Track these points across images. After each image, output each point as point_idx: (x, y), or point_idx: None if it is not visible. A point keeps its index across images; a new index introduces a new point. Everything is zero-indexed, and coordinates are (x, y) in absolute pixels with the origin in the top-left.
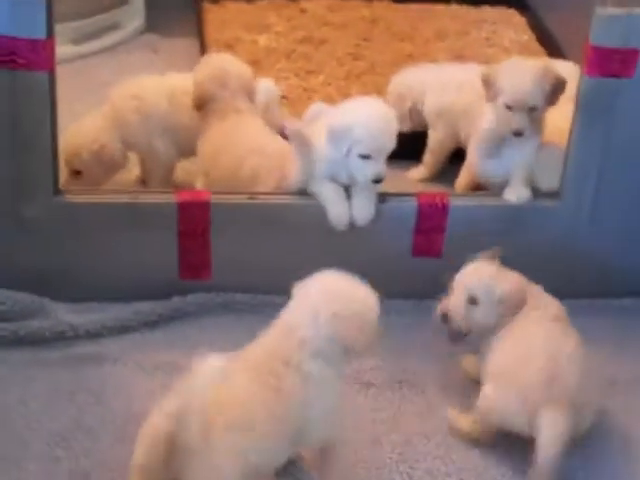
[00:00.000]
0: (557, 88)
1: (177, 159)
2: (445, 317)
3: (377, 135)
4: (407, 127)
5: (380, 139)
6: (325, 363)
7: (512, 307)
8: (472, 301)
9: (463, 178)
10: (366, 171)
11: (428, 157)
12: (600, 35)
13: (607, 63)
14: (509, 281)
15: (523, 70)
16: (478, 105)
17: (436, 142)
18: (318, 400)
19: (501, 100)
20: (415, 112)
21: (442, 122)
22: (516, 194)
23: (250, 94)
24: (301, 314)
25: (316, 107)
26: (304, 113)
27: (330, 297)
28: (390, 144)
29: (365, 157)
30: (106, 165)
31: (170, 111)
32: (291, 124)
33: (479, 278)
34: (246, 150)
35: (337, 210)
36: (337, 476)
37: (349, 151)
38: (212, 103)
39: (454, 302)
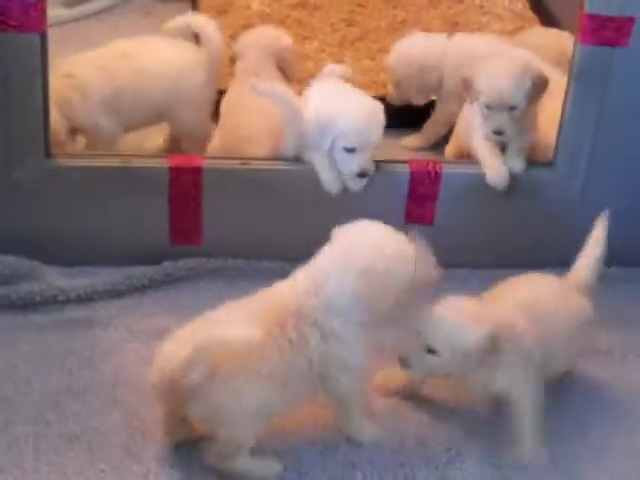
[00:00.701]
0: (538, 86)
1: (121, 133)
2: (404, 362)
3: (362, 129)
4: (404, 98)
5: (365, 133)
6: (347, 320)
7: (483, 356)
8: (430, 351)
9: (452, 147)
10: (350, 165)
11: (431, 127)
12: (594, 3)
13: (601, 31)
14: (480, 328)
15: (501, 70)
16: None
17: (447, 114)
18: (337, 356)
19: (481, 101)
20: (418, 81)
21: (460, 96)
22: (510, 164)
23: (282, 62)
24: (328, 268)
25: (329, 69)
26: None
27: (361, 251)
28: (376, 138)
29: (350, 150)
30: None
31: (105, 83)
32: (258, 83)
33: (439, 327)
34: (247, 111)
35: (329, 177)
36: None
37: (333, 144)
38: (239, 62)
39: (413, 349)
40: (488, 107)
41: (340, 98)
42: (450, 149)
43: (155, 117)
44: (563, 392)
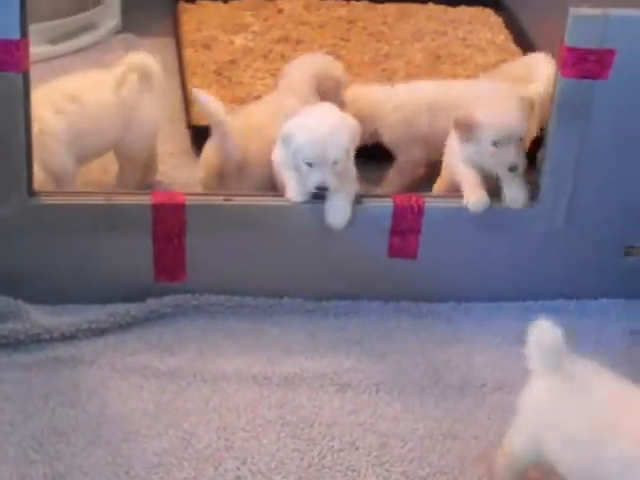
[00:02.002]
0: (530, 110)
1: (76, 167)
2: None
3: (317, 144)
4: None
5: (320, 149)
6: None
7: None
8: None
9: (441, 183)
10: (310, 178)
11: (395, 176)
12: (575, 36)
13: (582, 64)
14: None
15: (505, 104)
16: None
17: (409, 163)
18: None
19: (488, 138)
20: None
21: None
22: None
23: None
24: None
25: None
26: None
27: None
28: (334, 154)
29: (309, 164)
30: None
31: (58, 122)
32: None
33: None
34: (244, 128)
35: (293, 185)
36: None
37: (294, 156)
38: (281, 80)
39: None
40: (496, 144)
41: (309, 114)
42: (439, 185)
43: (105, 151)
44: None
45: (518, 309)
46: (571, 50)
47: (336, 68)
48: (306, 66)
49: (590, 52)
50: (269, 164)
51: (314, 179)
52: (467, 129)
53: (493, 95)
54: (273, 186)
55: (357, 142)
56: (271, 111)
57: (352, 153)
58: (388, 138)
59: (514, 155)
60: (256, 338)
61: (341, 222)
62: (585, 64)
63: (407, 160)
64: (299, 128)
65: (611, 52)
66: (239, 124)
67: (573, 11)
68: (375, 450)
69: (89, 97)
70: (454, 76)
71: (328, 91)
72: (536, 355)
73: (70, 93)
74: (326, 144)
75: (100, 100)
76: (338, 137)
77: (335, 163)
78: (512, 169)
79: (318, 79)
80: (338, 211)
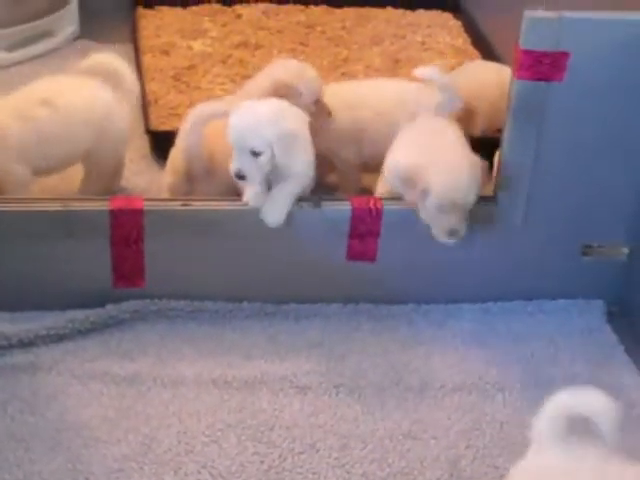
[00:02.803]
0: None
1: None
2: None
3: (236, 128)
4: None
5: (238, 133)
6: None
7: None
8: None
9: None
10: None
11: (343, 180)
12: (530, 38)
13: (537, 66)
14: None
15: (456, 170)
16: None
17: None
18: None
19: (432, 202)
20: None
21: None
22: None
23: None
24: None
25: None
26: None
27: None
28: (252, 143)
29: (255, 155)
30: None
31: (25, 131)
32: None
33: None
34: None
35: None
36: None
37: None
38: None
39: None
40: (440, 209)
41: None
42: (380, 187)
43: (74, 160)
44: None
45: (477, 311)
46: (526, 53)
47: (302, 73)
48: (269, 72)
49: (545, 55)
50: None
51: (233, 165)
52: (411, 184)
53: (444, 159)
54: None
55: (300, 144)
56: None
57: (297, 153)
58: (317, 142)
59: (455, 221)
60: (216, 342)
61: (275, 220)
62: (540, 66)
63: (341, 162)
64: (234, 112)
65: (565, 54)
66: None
67: (528, 14)
68: (335, 452)
69: (61, 101)
70: (413, 80)
71: (295, 97)
72: (545, 427)
73: (42, 97)
74: (244, 130)
75: (73, 106)
76: (261, 128)
77: (255, 154)
78: (452, 234)
79: (278, 85)
80: (273, 209)
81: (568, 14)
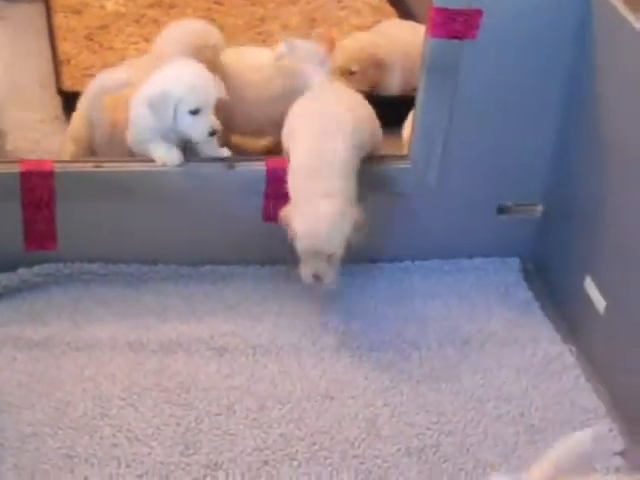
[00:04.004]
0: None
1: None
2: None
3: (199, 88)
4: None
5: (204, 91)
6: None
7: None
8: None
9: None
10: (199, 127)
11: None
12: None
13: (450, 24)
14: None
15: (320, 216)
16: None
17: None
18: None
19: (297, 245)
20: None
21: None
22: None
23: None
24: None
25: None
26: None
27: None
28: (214, 95)
29: (194, 113)
30: None
31: None
32: None
33: None
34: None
35: (162, 150)
36: None
37: (175, 113)
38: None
39: None
40: (303, 254)
41: (166, 71)
42: None
43: None
44: None
45: (395, 270)
46: (439, 11)
47: (213, 35)
48: (179, 33)
49: (458, 12)
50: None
51: (204, 125)
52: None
53: (311, 206)
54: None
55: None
56: (139, 76)
57: None
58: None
59: (319, 267)
60: (131, 305)
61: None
62: (453, 24)
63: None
64: (173, 83)
65: (479, 12)
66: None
67: None
68: (253, 413)
69: None
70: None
71: (205, 59)
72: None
73: None
74: (207, 86)
75: None
76: (210, 78)
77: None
78: (316, 278)
79: (192, 47)
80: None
81: None
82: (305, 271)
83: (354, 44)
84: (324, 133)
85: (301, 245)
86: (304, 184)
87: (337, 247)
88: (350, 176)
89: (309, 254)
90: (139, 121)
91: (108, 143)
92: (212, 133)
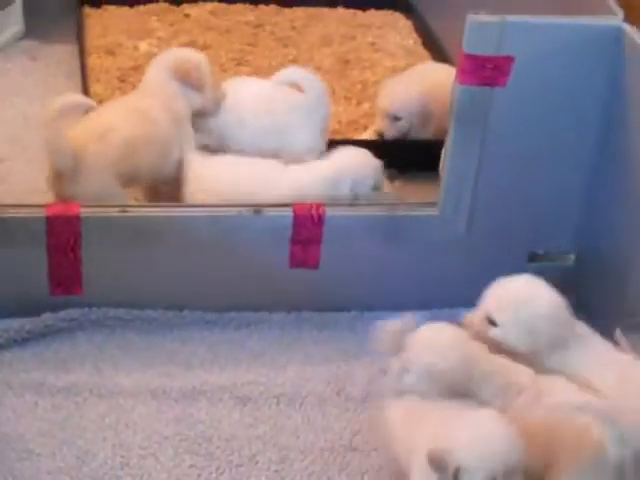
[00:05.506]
0: None
1: None
2: None
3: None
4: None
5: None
6: None
7: None
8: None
9: None
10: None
11: None
12: (473, 43)
13: (480, 71)
14: None
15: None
16: None
17: None
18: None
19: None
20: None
21: None
22: None
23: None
24: None
25: None
26: None
27: None
28: None
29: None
30: None
31: None
32: None
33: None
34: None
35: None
36: None
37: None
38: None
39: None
40: None
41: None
42: None
43: None
44: None
45: (422, 318)
46: (469, 57)
47: (196, 60)
48: (164, 60)
49: (488, 59)
50: (108, 171)
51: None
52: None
53: None
54: (112, 195)
55: None
56: (122, 112)
57: None
58: None
59: None
60: (155, 352)
61: None
62: (483, 71)
63: None
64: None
65: (509, 59)
66: (82, 123)
67: (470, 18)
68: (275, 464)
69: None
70: (363, 80)
71: (190, 83)
72: None
73: None
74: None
75: None
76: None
77: None
78: None
79: (175, 73)
80: None
81: (511, 18)
82: None
83: (406, 94)
84: None
85: None
86: None
87: None
88: None
89: None
90: None
91: (72, 174)
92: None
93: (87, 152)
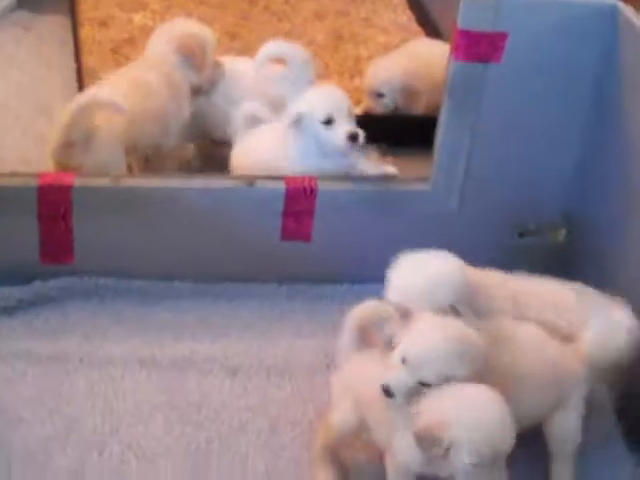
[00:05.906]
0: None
1: None
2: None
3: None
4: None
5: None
6: None
7: None
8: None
9: None
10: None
11: None
12: (468, 19)
13: (475, 47)
14: None
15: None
16: None
17: None
18: None
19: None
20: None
21: None
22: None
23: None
24: None
25: None
26: None
27: None
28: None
29: (327, 122)
30: None
31: None
32: None
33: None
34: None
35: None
36: None
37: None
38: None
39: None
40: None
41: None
42: None
43: None
44: None
45: None
46: (463, 33)
47: (201, 32)
48: (167, 32)
49: (483, 35)
50: (116, 141)
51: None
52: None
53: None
54: (118, 165)
55: None
56: (126, 87)
57: None
58: None
59: None
60: (145, 322)
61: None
62: (478, 47)
63: None
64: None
65: (503, 35)
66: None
67: None
68: (264, 434)
69: None
70: (356, 56)
71: (194, 55)
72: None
73: None
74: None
75: None
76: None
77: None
78: None
79: (178, 48)
80: None
81: None
82: None
83: (388, 70)
84: None
85: None
86: None
87: None
88: None
89: None
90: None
91: (84, 143)
92: (352, 138)
93: (97, 123)
